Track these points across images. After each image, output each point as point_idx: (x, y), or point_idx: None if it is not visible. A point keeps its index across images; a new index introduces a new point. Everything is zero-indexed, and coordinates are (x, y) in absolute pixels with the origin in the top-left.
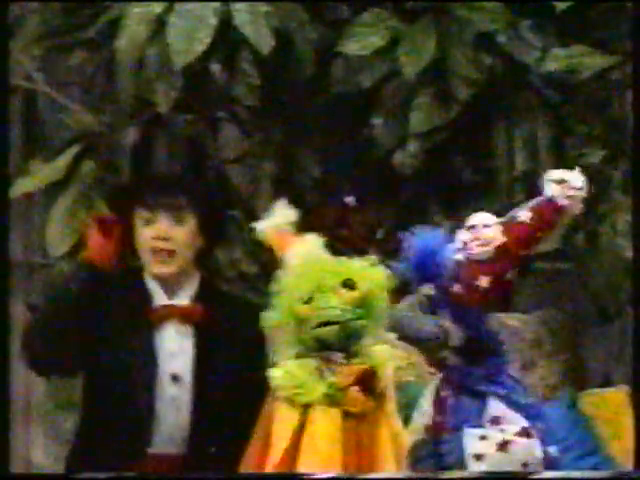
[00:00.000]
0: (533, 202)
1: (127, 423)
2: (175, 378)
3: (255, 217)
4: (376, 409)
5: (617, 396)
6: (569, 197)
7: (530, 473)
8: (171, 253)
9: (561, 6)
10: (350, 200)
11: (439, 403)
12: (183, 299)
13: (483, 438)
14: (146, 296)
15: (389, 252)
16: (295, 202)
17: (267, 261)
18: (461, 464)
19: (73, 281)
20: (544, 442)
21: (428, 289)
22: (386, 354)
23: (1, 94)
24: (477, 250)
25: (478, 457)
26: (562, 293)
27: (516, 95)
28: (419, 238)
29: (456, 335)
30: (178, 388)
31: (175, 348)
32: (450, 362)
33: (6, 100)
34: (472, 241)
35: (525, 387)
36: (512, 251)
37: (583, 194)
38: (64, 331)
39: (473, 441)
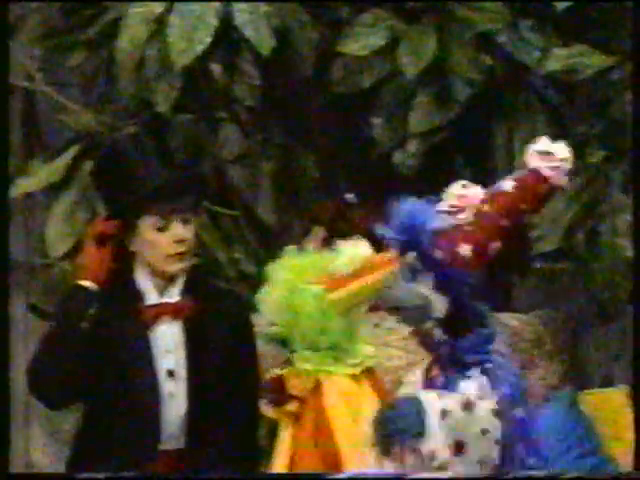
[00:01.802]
0: (517, 172)
1: (134, 423)
2: (171, 374)
3: (255, 217)
4: (310, 411)
5: (617, 396)
6: (553, 168)
7: (530, 472)
8: (186, 253)
9: (561, 6)
10: (350, 197)
11: (430, 384)
12: (173, 295)
13: (442, 396)
14: (137, 295)
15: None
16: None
17: (267, 261)
18: (420, 425)
19: (73, 309)
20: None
21: (411, 257)
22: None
23: (1, 94)
24: (457, 215)
25: (444, 413)
26: (562, 293)
27: (516, 95)
28: (405, 206)
29: (439, 305)
30: (174, 384)
31: (169, 344)
32: (436, 336)
33: (6, 100)
34: (451, 206)
35: (508, 357)
36: (494, 220)
37: (568, 165)
38: (70, 364)
39: (434, 398)
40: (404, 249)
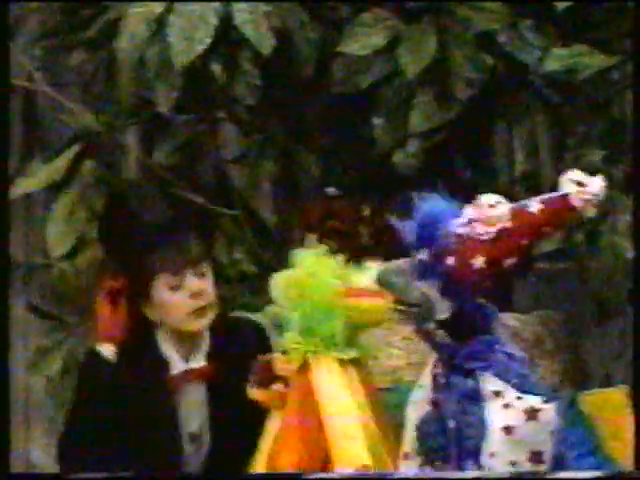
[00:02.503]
0: (547, 196)
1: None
2: (193, 438)
3: (255, 217)
4: (295, 391)
5: (617, 396)
6: (584, 199)
7: (532, 472)
8: (206, 307)
9: (561, 6)
10: (331, 191)
11: (434, 381)
12: (199, 360)
13: (507, 406)
14: (162, 364)
15: (379, 228)
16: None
17: (267, 261)
18: (480, 437)
19: (90, 378)
20: None
21: (423, 255)
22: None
23: (1, 94)
24: (479, 228)
25: (507, 430)
26: (562, 293)
27: (516, 95)
28: (427, 203)
29: (441, 307)
30: (196, 445)
31: (192, 408)
32: (438, 338)
33: (6, 100)
34: (477, 218)
35: (520, 360)
36: (514, 238)
37: (599, 200)
38: (98, 437)
39: (497, 412)
40: (418, 246)
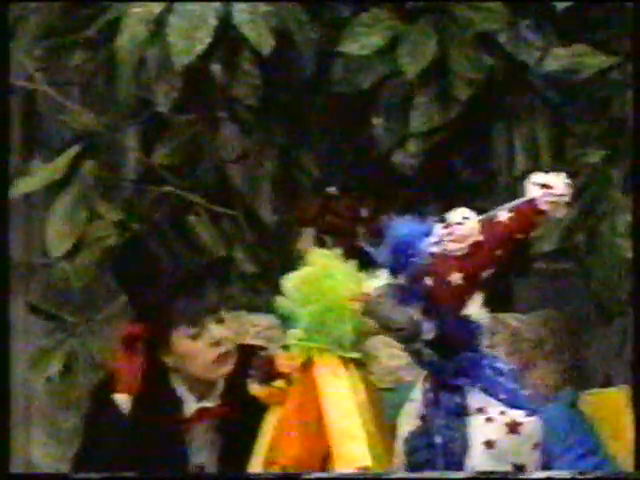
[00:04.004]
0: (514, 203)
1: None
2: (201, 469)
3: (255, 217)
4: (297, 388)
5: (617, 396)
6: (551, 202)
7: (530, 472)
8: (227, 354)
9: (561, 6)
10: (332, 190)
11: (424, 396)
12: (213, 399)
13: (489, 420)
14: (176, 404)
15: (376, 230)
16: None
17: (267, 261)
18: (464, 452)
19: (102, 425)
20: None
21: (400, 278)
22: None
23: (1, 94)
24: (451, 245)
25: (489, 444)
26: (562, 293)
27: (516, 95)
28: (399, 226)
29: (426, 328)
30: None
31: (202, 443)
32: (425, 357)
33: (6, 100)
34: (447, 235)
35: (509, 375)
36: (488, 250)
37: (566, 200)
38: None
39: (479, 426)
40: (394, 271)
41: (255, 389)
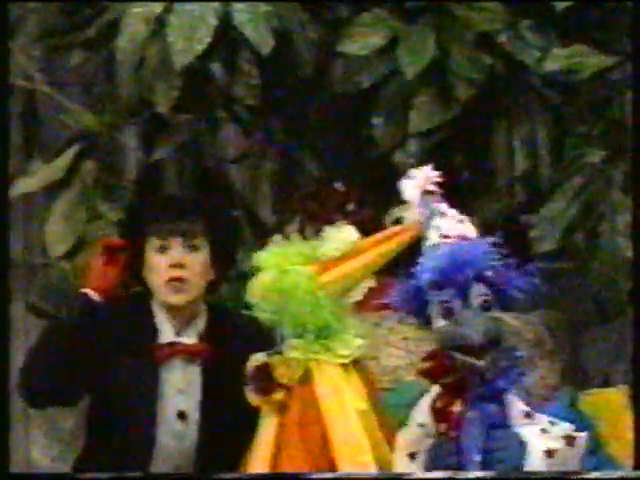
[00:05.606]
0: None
1: (128, 448)
2: (181, 415)
3: (255, 217)
4: (297, 400)
5: (617, 396)
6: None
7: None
8: (185, 281)
9: (561, 6)
10: (339, 185)
11: (442, 414)
12: (191, 336)
13: (544, 431)
14: (153, 331)
15: (361, 221)
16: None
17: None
18: (518, 460)
19: (69, 312)
20: None
21: (445, 295)
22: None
23: (1, 94)
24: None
25: (550, 453)
26: (562, 293)
27: (516, 95)
28: (457, 247)
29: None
30: (185, 424)
31: (182, 385)
32: (480, 364)
33: (6, 100)
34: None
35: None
36: None
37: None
38: (61, 363)
39: (535, 435)
40: (444, 286)
41: (253, 399)
